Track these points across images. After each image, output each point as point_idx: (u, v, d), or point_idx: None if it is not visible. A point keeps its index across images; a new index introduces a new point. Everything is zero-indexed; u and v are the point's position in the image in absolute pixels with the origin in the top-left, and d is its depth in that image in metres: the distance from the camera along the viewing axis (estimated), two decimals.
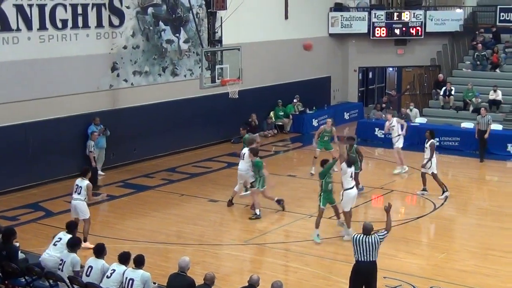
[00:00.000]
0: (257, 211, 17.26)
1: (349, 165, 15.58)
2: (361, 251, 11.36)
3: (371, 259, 11.39)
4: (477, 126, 23.97)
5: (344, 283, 12.92)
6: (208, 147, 25.64)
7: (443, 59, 31.84)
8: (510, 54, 29.76)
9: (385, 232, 11.66)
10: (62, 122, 20.80)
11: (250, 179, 17.85)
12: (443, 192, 19.01)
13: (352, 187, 15.63)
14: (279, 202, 17.82)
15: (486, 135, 23.62)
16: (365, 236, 11.42)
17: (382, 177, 21.41)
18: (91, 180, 17.62)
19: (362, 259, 11.39)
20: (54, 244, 12.60)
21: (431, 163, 19.02)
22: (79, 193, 15.13)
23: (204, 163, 23.48)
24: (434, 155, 19.13)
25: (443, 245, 15.55)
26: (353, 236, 11.61)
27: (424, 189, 19.30)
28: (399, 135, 21.93)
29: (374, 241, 11.37)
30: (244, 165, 17.95)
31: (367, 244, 11.33)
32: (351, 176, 15.63)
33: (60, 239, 12.58)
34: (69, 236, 12.53)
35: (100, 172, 21.66)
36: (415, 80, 32.45)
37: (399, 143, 21.91)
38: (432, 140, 19.28)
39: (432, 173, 19.09)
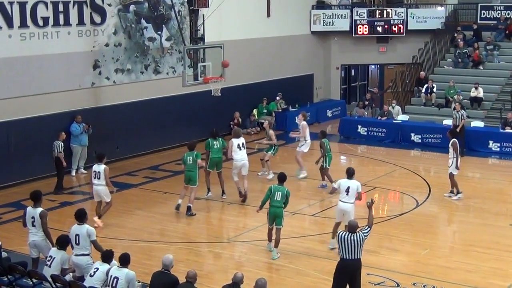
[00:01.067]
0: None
1: (349, 177, 14.87)
2: (346, 249, 11.36)
3: (356, 257, 11.41)
4: (452, 121, 24.18)
5: (328, 280, 12.95)
6: None
7: (424, 56, 31.99)
8: (491, 52, 29.94)
9: (368, 228, 11.69)
10: (44, 120, 20.68)
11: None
12: (452, 192, 18.91)
13: (343, 201, 14.72)
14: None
15: (458, 129, 23.71)
16: (350, 234, 11.41)
17: (365, 174, 21.42)
18: (58, 181, 19.35)
19: (347, 257, 11.40)
20: (33, 225, 12.70)
21: (452, 162, 18.61)
22: (98, 178, 16.16)
23: None
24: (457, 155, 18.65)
25: (426, 242, 15.63)
26: (338, 234, 11.60)
27: (457, 192, 18.89)
28: (305, 140, 20.80)
29: (359, 238, 11.38)
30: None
31: (352, 242, 11.33)
32: (347, 191, 14.66)
33: (33, 218, 12.68)
34: (40, 209, 12.68)
35: (82, 170, 21.60)
36: (397, 77, 32.57)
37: (305, 147, 20.84)
38: (453, 139, 18.67)
39: (450, 173, 18.80)
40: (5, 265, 12.15)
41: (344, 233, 11.48)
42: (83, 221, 12.10)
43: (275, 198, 14.40)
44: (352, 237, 11.35)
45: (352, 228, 11.50)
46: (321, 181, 19.87)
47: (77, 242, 11.87)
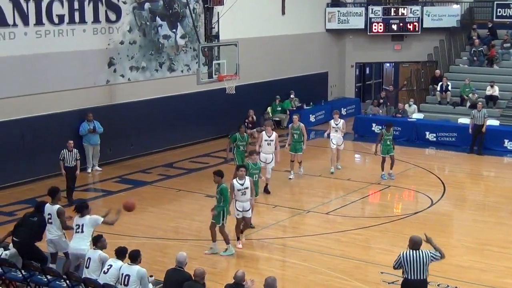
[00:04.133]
0: None
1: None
2: (411, 269, 10.37)
3: (422, 277, 10.42)
4: (471, 121, 24.01)
5: (341, 278, 13.02)
6: (205, 143, 25.64)
7: (440, 54, 31.85)
8: (507, 49, 29.75)
9: (439, 254, 10.53)
10: (58, 117, 20.78)
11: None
12: None
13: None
14: None
15: (484, 129, 23.66)
16: (414, 251, 10.43)
17: (380, 173, 21.37)
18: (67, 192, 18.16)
19: (412, 277, 10.41)
20: (49, 222, 12.74)
21: None
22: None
23: (201, 158, 23.48)
24: None
25: (440, 241, 15.36)
26: (401, 253, 10.59)
27: None
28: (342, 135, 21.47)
29: (425, 257, 10.37)
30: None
31: (417, 261, 10.35)
32: None
33: (50, 214, 12.73)
34: (57, 206, 12.73)
35: (97, 167, 21.66)
36: (412, 75, 32.45)
37: (341, 141, 21.47)
38: None
39: None
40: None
41: (407, 251, 10.49)
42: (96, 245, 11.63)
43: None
44: (416, 255, 10.39)
45: (414, 244, 10.51)
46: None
47: (87, 265, 11.47)
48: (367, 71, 36.26)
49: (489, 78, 28.05)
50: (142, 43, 23.21)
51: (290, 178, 20.55)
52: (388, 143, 20.42)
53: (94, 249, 11.23)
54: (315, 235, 15.68)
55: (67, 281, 11.47)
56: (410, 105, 27.78)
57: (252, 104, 27.26)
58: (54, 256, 13.03)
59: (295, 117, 20.86)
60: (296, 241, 15.23)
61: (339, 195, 19.18)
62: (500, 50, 29.82)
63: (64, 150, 18.18)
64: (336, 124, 21.26)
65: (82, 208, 12.51)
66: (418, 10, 31.45)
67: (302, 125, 20.50)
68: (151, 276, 11.49)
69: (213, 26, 21.91)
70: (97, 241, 11.49)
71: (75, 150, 18.34)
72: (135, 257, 10.95)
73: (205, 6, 21.69)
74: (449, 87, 28.34)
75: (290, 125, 21.08)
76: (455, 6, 32.23)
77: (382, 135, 20.49)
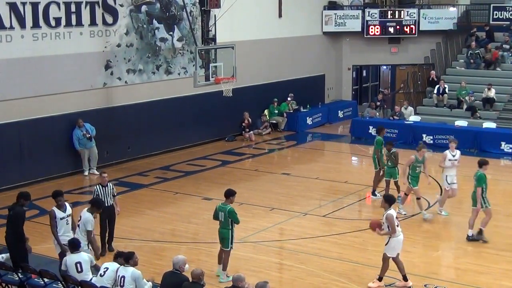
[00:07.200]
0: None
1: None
2: None
3: None
4: None
5: (338, 281, 13.01)
6: (202, 145, 25.64)
7: (437, 57, 31.90)
8: (505, 51, 29.77)
9: None
10: (55, 120, 20.77)
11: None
12: None
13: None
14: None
15: None
16: None
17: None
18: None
19: None
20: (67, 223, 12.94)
21: None
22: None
23: (198, 161, 23.47)
24: None
25: (437, 243, 15.59)
26: None
27: None
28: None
29: None
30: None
31: None
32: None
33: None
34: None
35: (94, 170, 21.61)
36: (409, 78, 32.51)
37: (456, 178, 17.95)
38: None
39: None
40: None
41: None
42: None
43: (220, 219, 13.43)
44: None
45: None
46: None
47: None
48: (364, 74, 36.27)
49: (486, 80, 28.07)
50: (139, 46, 23.20)
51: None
52: (390, 163, 18.41)
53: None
54: (312, 237, 15.67)
55: (64, 284, 11.46)
56: (406, 108, 27.80)
57: (249, 106, 27.28)
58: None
59: (424, 150, 17.80)
60: (294, 243, 15.22)
61: (336, 197, 19.16)
62: (500, 52, 29.82)
63: (97, 186, 15.00)
64: (453, 156, 17.70)
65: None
66: (415, 13, 31.50)
67: (426, 156, 17.90)
68: (152, 280, 11.44)
69: (210, 29, 21.92)
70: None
71: (110, 185, 15.12)
72: (128, 258, 10.93)
73: (202, 9, 21.70)
74: (446, 90, 28.37)
75: (413, 156, 17.54)
76: (451, 8, 32.31)
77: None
